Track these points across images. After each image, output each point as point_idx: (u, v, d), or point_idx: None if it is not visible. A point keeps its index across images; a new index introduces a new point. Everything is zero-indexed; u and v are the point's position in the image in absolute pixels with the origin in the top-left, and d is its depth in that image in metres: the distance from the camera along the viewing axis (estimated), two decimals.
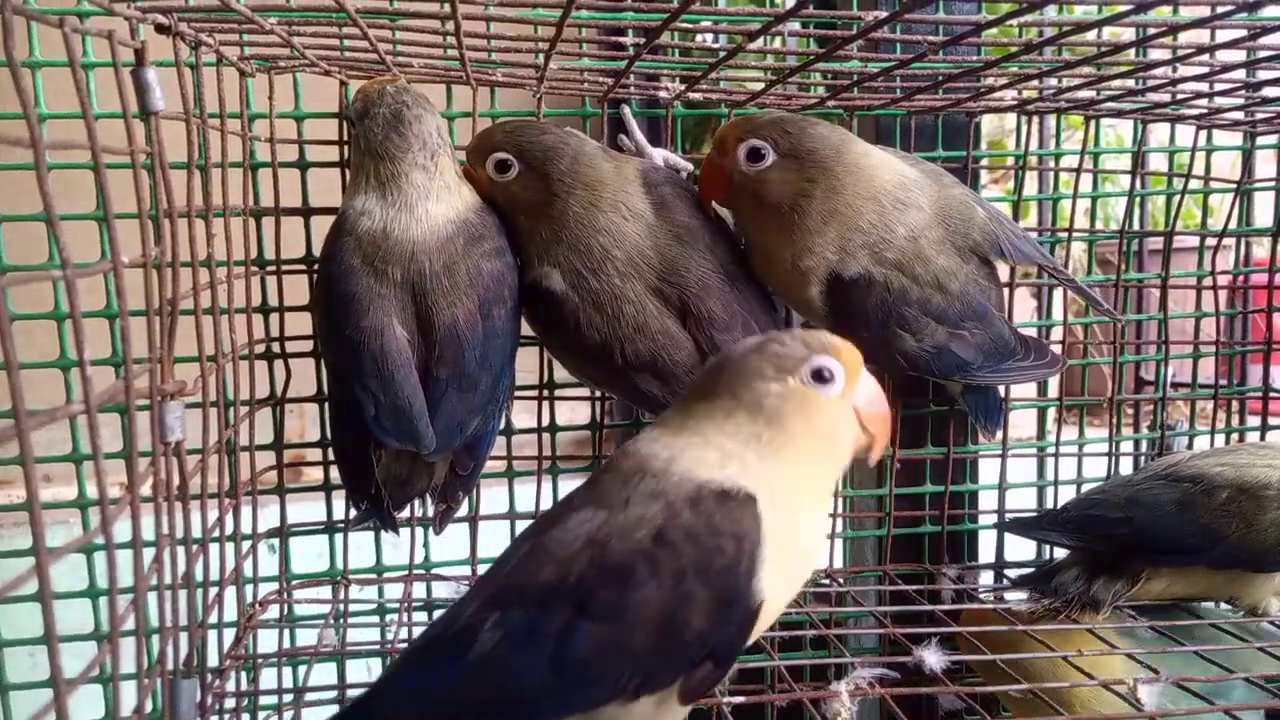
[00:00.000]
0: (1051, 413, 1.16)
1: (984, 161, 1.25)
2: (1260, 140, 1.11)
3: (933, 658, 0.81)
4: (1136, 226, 1.14)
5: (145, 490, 0.62)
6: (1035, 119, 1.08)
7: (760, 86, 0.95)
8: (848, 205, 0.85)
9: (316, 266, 0.92)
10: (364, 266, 0.84)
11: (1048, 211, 1.13)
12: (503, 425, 0.98)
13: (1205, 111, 1.00)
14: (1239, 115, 1.01)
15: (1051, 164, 1.12)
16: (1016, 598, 1.02)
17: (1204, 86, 0.92)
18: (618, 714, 0.56)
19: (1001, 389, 1.04)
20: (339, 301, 0.84)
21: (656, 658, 0.55)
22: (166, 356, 0.65)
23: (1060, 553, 1.06)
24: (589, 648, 0.54)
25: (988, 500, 1.14)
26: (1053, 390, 1.24)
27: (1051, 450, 1.13)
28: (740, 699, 0.76)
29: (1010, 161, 1.21)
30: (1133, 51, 0.97)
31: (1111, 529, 0.96)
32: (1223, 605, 1.01)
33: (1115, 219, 1.75)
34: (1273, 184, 1.14)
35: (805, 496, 0.60)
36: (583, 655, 0.54)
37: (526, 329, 0.92)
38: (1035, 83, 0.91)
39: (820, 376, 0.61)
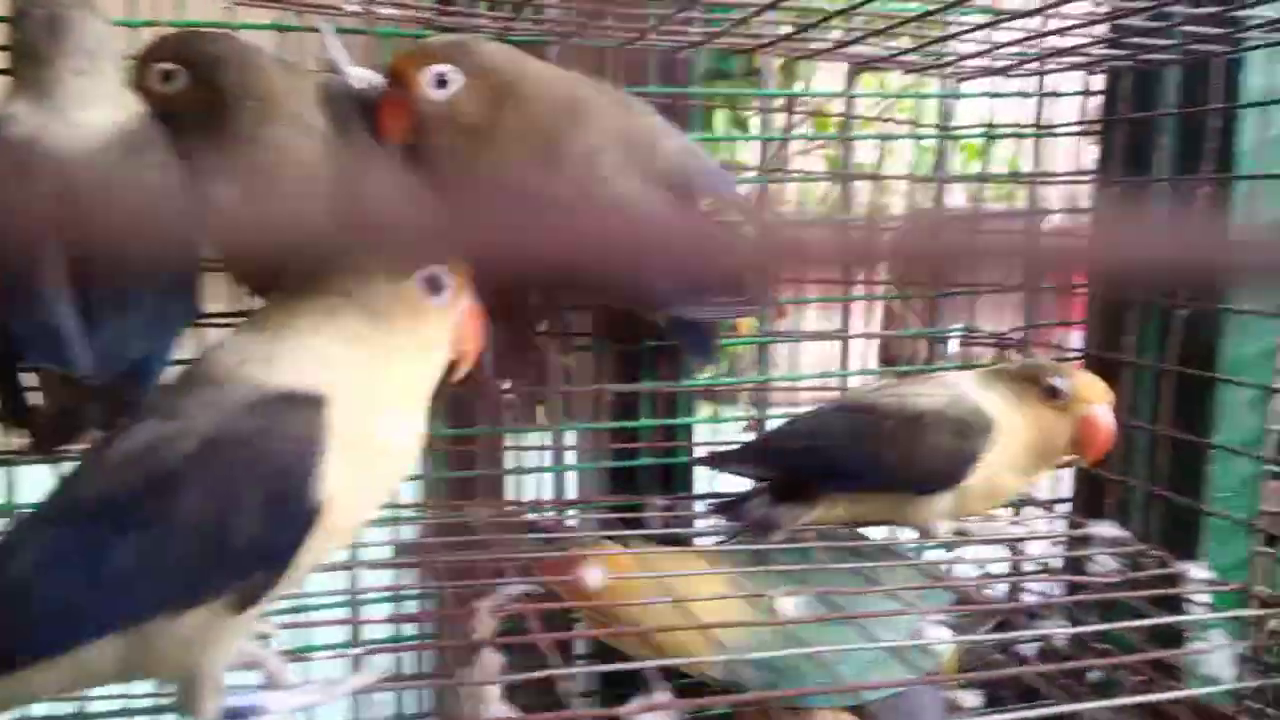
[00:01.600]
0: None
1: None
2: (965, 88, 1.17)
3: (594, 575, 0.83)
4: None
5: None
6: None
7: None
8: (532, 122, 0.86)
9: None
10: (14, 178, 0.78)
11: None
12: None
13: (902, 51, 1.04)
14: (980, 63, 1.06)
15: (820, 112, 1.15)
16: (708, 525, 1.06)
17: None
18: (166, 629, 0.55)
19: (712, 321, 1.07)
20: None
21: (203, 567, 0.54)
22: None
23: None
24: (129, 560, 0.53)
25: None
26: None
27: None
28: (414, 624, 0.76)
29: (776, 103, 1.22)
30: None
31: (794, 459, 1.00)
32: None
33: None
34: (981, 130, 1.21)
35: (393, 398, 0.61)
36: (122, 568, 0.53)
37: None
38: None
39: (433, 284, 0.62)
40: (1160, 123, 1.08)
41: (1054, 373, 0.98)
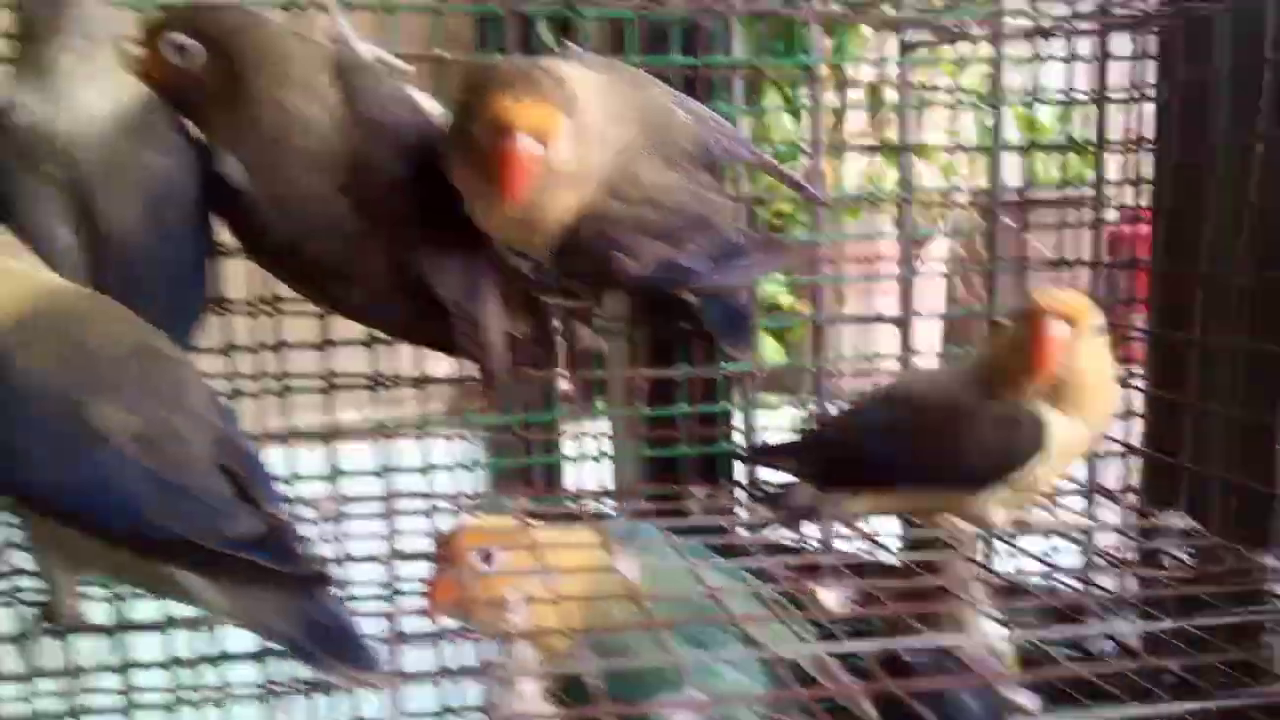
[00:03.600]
0: None
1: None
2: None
3: (627, 564, 0.78)
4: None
5: None
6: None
7: None
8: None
9: None
10: (19, 164, 0.76)
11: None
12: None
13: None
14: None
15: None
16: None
17: None
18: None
19: (746, 302, 1.03)
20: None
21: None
22: None
23: None
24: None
25: None
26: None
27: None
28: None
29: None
30: None
31: (835, 453, 0.95)
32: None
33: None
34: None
35: None
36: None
37: None
38: None
39: None
40: (1218, 81, 1.01)
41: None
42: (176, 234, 0.80)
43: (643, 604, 0.71)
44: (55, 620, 0.71)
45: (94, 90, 0.77)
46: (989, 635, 0.73)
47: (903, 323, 1.16)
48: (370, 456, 1.03)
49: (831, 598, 0.76)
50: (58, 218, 0.76)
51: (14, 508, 0.64)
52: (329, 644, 0.58)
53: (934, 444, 0.90)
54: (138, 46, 0.82)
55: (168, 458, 0.61)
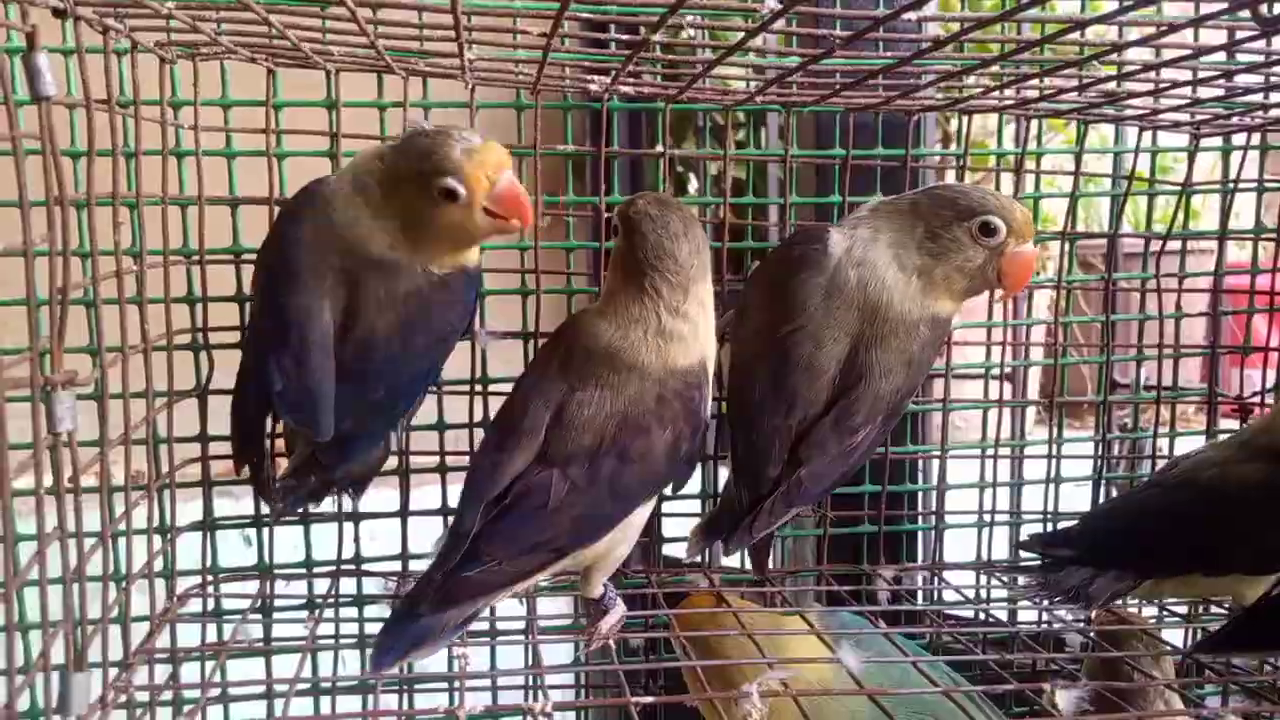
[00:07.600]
0: (994, 414, 1.15)
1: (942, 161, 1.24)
2: (1205, 142, 1.10)
3: (852, 659, 0.80)
4: (1104, 228, 1.13)
5: (32, 482, 0.61)
6: (1024, 121, 1.05)
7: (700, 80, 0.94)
8: None
9: (264, 237, 0.89)
10: (319, 254, 0.82)
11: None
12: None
13: (1145, 112, 0.99)
14: (1180, 117, 1.01)
15: (1033, 165, 1.08)
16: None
17: (1143, 87, 0.91)
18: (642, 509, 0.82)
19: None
20: (281, 267, 0.83)
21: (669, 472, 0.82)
22: (56, 346, 0.64)
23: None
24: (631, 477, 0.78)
25: (962, 500, 1.12)
26: (1031, 392, 1.24)
27: (1004, 452, 1.12)
28: (650, 699, 0.75)
29: (992, 161, 1.18)
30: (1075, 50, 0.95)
31: (1116, 541, 0.92)
32: None
33: (1099, 220, 1.72)
34: (1218, 187, 1.13)
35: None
36: (626, 483, 0.78)
37: None
38: (966, 80, 0.90)
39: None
40: None
41: None
42: (414, 357, 0.85)
43: (879, 702, 0.72)
44: None
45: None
46: None
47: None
48: None
49: (1064, 699, 0.75)
50: (329, 298, 0.82)
51: None
52: None
53: (1247, 530, 0.87)
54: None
55: None
